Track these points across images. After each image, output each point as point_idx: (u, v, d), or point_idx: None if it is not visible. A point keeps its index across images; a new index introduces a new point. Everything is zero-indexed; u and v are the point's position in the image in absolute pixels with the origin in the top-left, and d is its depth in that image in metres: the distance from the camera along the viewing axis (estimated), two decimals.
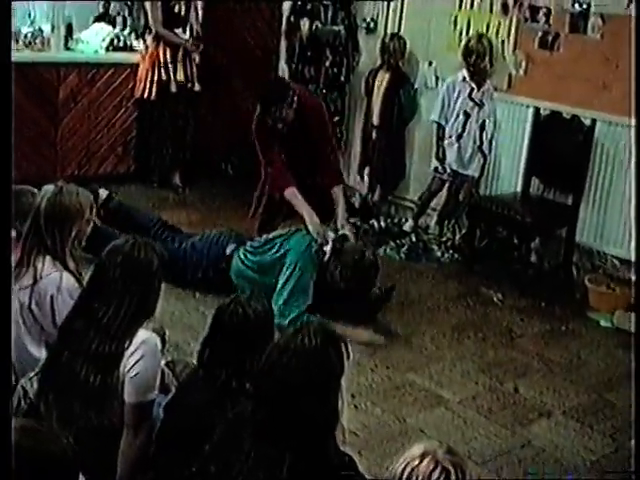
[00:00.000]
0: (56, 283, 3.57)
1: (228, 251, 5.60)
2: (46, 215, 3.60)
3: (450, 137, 6.67)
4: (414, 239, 6.82)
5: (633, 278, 5.73)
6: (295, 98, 5.64)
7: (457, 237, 6.76)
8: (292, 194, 5.68)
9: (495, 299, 5.94)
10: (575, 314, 5.79)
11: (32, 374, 3.46)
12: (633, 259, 5.76)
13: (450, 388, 4.74)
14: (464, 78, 6.57)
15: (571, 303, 5.94)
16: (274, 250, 5.47)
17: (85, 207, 3.73)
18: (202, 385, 3.10)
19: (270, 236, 5.65)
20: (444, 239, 6.81)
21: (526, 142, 6.47)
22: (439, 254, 6.67)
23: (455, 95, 6.62)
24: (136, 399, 3.12)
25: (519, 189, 6.49)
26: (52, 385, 3.20)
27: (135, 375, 3.09)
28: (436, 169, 6.87)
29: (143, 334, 3.16)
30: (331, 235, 5.53)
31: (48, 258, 3.62)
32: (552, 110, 6.29)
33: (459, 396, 4.67)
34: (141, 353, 3.10)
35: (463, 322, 5.61)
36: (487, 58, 6.53)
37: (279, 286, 5.25)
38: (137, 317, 3.18)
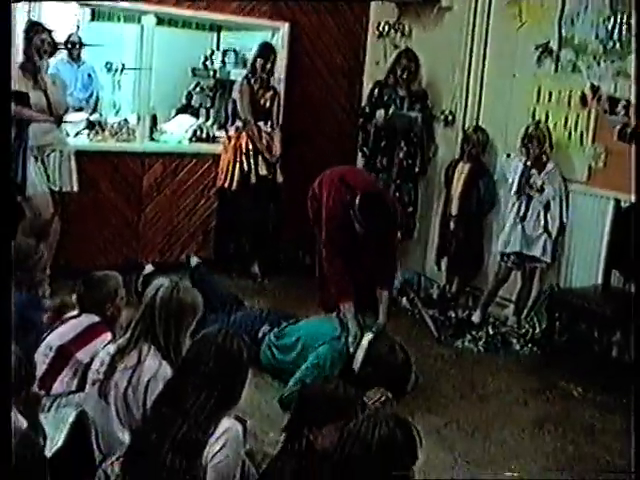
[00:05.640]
0: (154, 370, 3.63)
1: (260, 334, 5.66)
2: (161, 309, 3.69)
3: (514, 219, 6.70)
4: (491, 332, 6.76)
5: None
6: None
7: (536, 330, 6.67)
8: (348, 308, 5.62)
9: (575, 393, 5.83)
10: None
11: (114, 458, 3.50)
12: None
13: None
14: (525, 164, 6.61)
15: None
16: (295, 337, 5.56)
17: (199, 306, 3.82)
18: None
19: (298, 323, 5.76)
20: (522, 332, 6.73)
21: (606, 234, 6.42)
22: (518, 347, 6.58)
23: (517, 178, 6.67)
24: None
25: (600, 281, 6.41)
26: (135, 470, 3.22)
27: (218, 462, 3.11)
28: (502, 256, 6.85)
29: (227, 422, 3.19)
30: (368, 337, 5.48)
31: (151, 345, 3.70)
32: (632, 202, 6.24)
33: None
34: (224, 441, 3.12)
35: (543, 417, 5.49)
36: (546, 144, 6.58)
37: (298, 374, 5.24)
38: (224, 405, 3.21)
